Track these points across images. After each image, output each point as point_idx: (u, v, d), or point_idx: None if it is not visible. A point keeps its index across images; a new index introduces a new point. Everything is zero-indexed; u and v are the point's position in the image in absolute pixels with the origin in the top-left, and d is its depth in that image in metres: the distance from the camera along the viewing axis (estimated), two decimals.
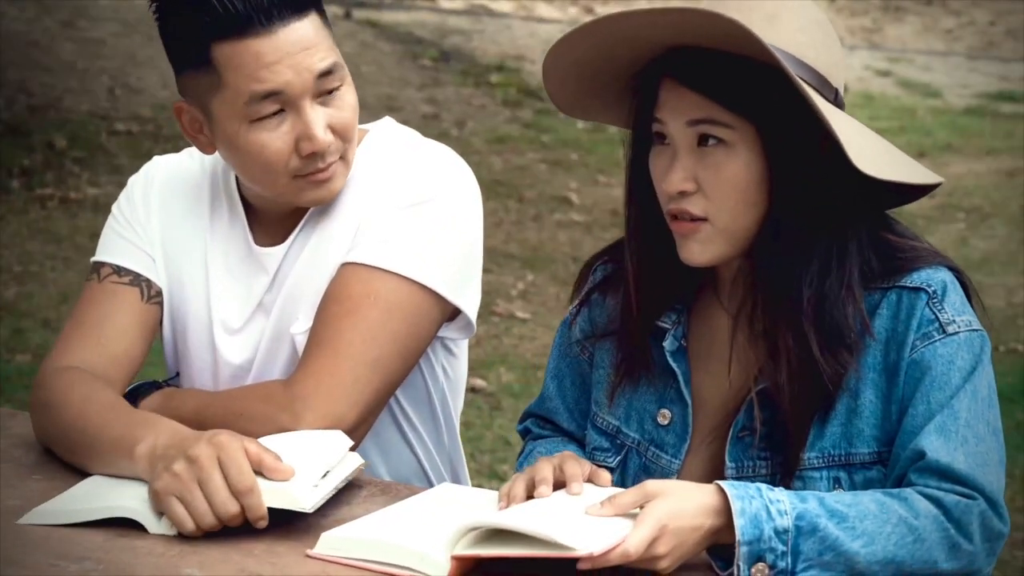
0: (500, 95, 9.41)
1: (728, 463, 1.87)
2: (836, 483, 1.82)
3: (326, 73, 2.00)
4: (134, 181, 2.24)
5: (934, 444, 1.73)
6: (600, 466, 1.92)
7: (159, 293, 2.17)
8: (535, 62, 10.28)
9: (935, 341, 1.78)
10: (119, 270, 2.16)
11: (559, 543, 1.59)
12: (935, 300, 1.80)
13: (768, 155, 1.80)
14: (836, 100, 1.85)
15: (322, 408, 1.97)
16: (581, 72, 1.90)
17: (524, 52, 10.34)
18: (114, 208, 2.23)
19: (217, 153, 2.20)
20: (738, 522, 1.64)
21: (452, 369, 2.24)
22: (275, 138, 2.00)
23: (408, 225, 2.05)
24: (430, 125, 8.24)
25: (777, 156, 1.80)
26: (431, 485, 2.18)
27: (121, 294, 2.14)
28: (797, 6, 1.84)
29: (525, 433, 2.18)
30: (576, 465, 1.81)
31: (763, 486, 1.69)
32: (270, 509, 1.75)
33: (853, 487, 1.81)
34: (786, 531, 1.64)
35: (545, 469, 1.81)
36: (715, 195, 1.82)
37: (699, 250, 1.85)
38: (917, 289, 1.81)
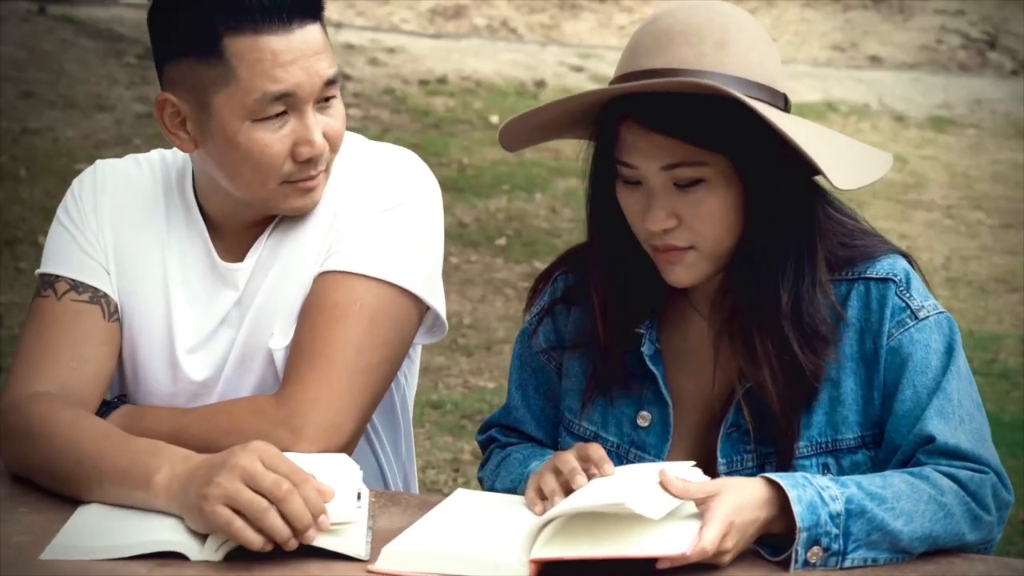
0: None
1: (720, 459, 1.95)
2: (825, 468, 1.93)
3: (331, 81, 1.98)
4: (81, 186, 2.14)
5: (939, 428, 1.86)
6: None
7: (117, 309, 2.09)
8: None
9: (909, 328, 1.91)
10: (77, 286, 2.07)
11: (643, 515, 1.65)
12: (902, 288, 1.93)
13: (743, 180, 1.88)
14: (786, 106, 1.94)
15: (321, 420, 1.95)
16: (536, 127, 1.96)
17: None
18: (61, 214, 2.12)
19: (174, 158, 2.13)
20: (796, 509, 1.73)
21: (411, 375, 2.25)
22: (276, 139, 1.97)
23: (384, 230, 2.04)
24: (145, 125, 7.98)
25: (752, 180, 1.88)
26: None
27: (84, 313, 2.05)
28: (740, 25, 1.90)
29: (488, 443, 2.20)
30: (600, 448, 1.85)
31: (807, 474, 1.79)
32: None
33: (841, 471, 1.92)
34: (839, 515, 1.74)
35: (569, 459, 1.84)
36: (698, 226, 1.89)
37: (686, 273, 1.92)
38: (885, 280, 1.93)
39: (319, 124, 1.98)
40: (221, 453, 1.77)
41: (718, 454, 1.95)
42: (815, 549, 1.74)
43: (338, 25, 11.39)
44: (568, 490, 1.82)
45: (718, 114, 1.83)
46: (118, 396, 2.14)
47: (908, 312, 1.92)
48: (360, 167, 2.09)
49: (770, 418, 1.92)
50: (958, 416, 1.87)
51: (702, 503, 1.74)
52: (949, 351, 1.91)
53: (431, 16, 13.52)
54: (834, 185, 1.83)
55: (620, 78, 1.89)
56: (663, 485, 1.74)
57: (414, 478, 2.31)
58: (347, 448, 1.98)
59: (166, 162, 2.17)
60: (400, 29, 12.73)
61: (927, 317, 1.92)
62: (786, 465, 1.92)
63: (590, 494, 1.75)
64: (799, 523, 1.73)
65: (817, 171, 1.84)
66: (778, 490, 1.76)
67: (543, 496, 1.84)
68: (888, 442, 1.91)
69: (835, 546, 1.75)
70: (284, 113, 1.96)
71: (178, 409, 2.06)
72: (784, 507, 1.75)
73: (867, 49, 13.39)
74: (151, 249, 2.11)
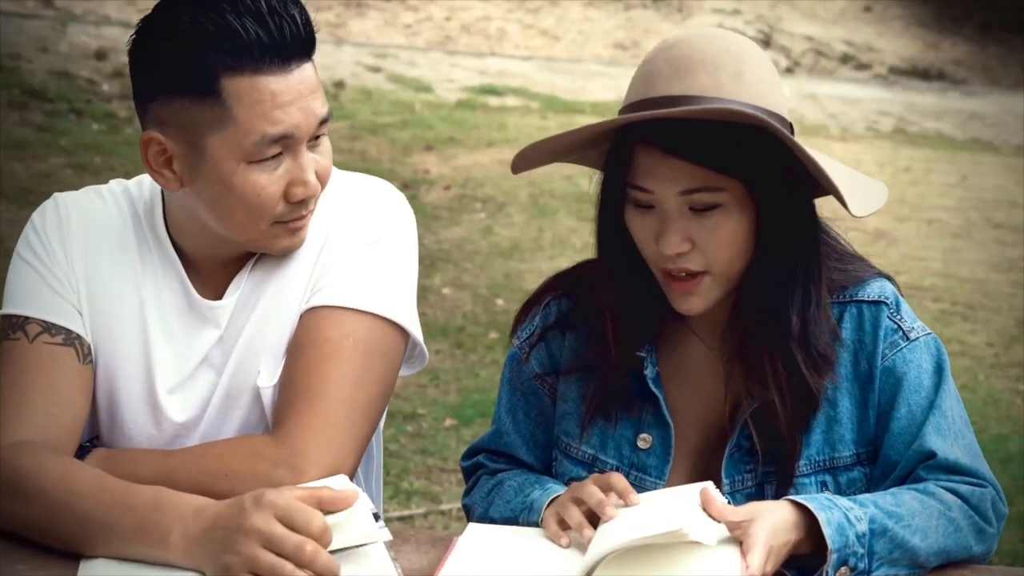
0: (3, 97, 8.87)
1: (724, 479, 1.99)
2: (823, 486, 1.99)
3: (324, 120, 1.94)
4: (44, 221, 2.05)
5: (938, 444, 1.94)
6: None
7: (90, 350, 2.01)
8: (31, 60, 9.77)
9: (902, 348, 1.98)
10: (49, 327, 1.98)
11: (700, 541, 1.68)
12: (893, 311, 2.00)
13: (758, 205, 1.92)
14: (791, 131, 1.98)
15: (323, 459, 1.91)
16: (551, 151, 1.98)
17: (17, 50, 9.78)
18: (24, 251, 2.03)
19: (139, 191, 2.06)
20: (827, 531, 1.78)
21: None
22: (271, 181, 1.92)
23: (370, 263, 2.02)
24: None
25: (767, 205, 1.92)
26: None
27: (59, 357, 1.97)
28: (751, 55, 1.95)
29: (475, 468, 2.20)
30: (622, 478, 1.87)
31: (829, 495, 1.84)
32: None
33: (838, 488, 1.99)
34: (864, 535, 1.80)
35: (594, 491, 1.85)
36: (712, 251, 1.92)
37: (698, 302, 1.95)
38: (877, 302, 2.00)
39: (312, 163, 1.94)
40: (232, 506, 1.73)
41: (722, 474, 1.99)
42: (843, 570, 1.79)
43: (127, 25, 11.07)
44: (593, 520, 1.83)
45: (736, 140, 1.86)
46: (90, 439, 2.05)
47: (900, 333, 1.99)
48: (341, 200, 2.06)
49: (771, 438, 1.97)
50: (953, 432, 1.95)
51: (736, 527, 1.77)
52: (939, 370, 1.99)
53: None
54: (850, 212, 1.89)
55: (637, 104, 1.90)
56: (704, 504, 1.77)
57: (380, 499, 2.29)
58: None
59: (131, 195, 2.09)
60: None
61: (917, 338, 1.99)
62: (786, 483, 1.97)
63: (634, 525, 1.76)
64: (830, 545, 1.78)
65: (831, 195, 1.90)
66: (804, 512, 1.80)
67: (566, 526, 1.85)
68: (884, 459, 1.97)
69: (861, 565, 1.80)
70: (280, 154, 1.92)
71: (158, 451, 2.00)
72: (811, 529, 1.80)
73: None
74: (125, 286, 2.03)
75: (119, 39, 10.80)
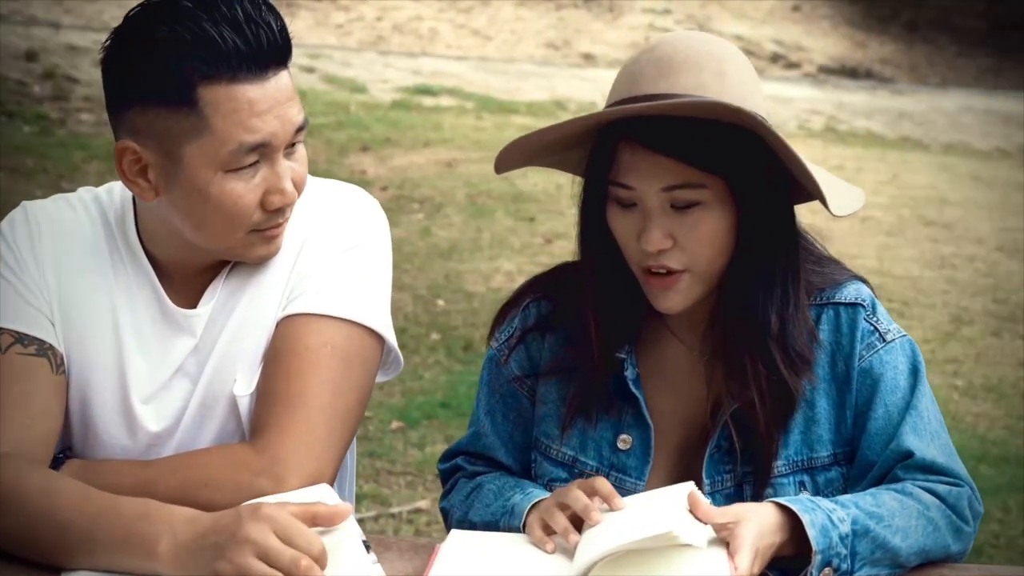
0: None
1: (705, 479, 2.00)
2: (801, 486, 2.01)
3: (301, 127, 1.92)
4: (13, 231, 2.01)
5: (915, 443, 1.96)
6: None
7: (63, 361, 1.98)
8: None
9: (879, 350, 2.01)
10: (22, 338, 1.95)
11: (691, 543, 1.69)
12: (870, 313, 2.03)
13: (738, 203, 1.94)
14: None
15: (304, 468, 1.90)
16: (529, 151, 1.98)
17: None
18: None
19: (109, 199, 2.04)
20: (811, 533, 1.79)
21: None
22: (248, 190, 1.90)
23: (347, 270, 2.02)
24: None
25: (747, 203, 1.94)
26: None
27: (33, 368, 1.94)
28: (731, 55, 1.97)
29: (453, 471, 2.19)
30: (606, 482, 1.88)
31: (812, 497, 1.86)
32: None
33: (816, 488, 2.01)
34: (847, 536, 1.82)
35: (579, 496, 1.86)
36: (692, 248, 1.93)
37: (678, 299, 1.97)
38: (854, 304, 2.03)
39: (288, 171, 1.93)
40: (227, 516, 1.71)
41: (703, 474, 2.00)
42: (826, 571, 1.81)
43: (56, 26, 10.95)
44: (578, 525, 1.83)
45: (718, 138, 1.89)
46: (63, 451, 2.03)
47: (877, 335, 2.01)
48: (316, 207, 2.05)
49: (751, 438, 1.98)
50: (929, 432, 1.98)
51: (722, 529, 1.79)
52: (915, 372, 2.01)
53: None
54: (831, 211, 1.91)
55: (621, 102, 1.91)
56: (691, 506, 1.78)
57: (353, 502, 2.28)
58: None
59: (101, 203, 2.07)
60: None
61: (893, 340, 2.02)
62: (764, 483, 1.99)
63: (622, 529, 1.77)
64: (815, 547, 1.79)
65: (813, 196, 1.92)
66: (788, 514, 1.82)
67: (551, 532, 1.85)
68: (861, 458, 1.99)
69: (844, 566, 1.82)
70: (256, 163, 1.91)
71: (136, 462, 1.98)
72: (795, 530, 1.81)
73: (580, 47, 13.74)
74: (97, 296, 2.01)
75: (49, 40, 10.69)
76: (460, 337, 6.05)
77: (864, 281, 2.08)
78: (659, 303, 1.98)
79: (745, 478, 2.01)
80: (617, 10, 14.61)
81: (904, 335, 2.04)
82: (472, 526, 2.06)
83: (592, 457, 2.07)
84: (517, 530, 1.95)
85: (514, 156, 2.00)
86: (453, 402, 5.36)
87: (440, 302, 6.44)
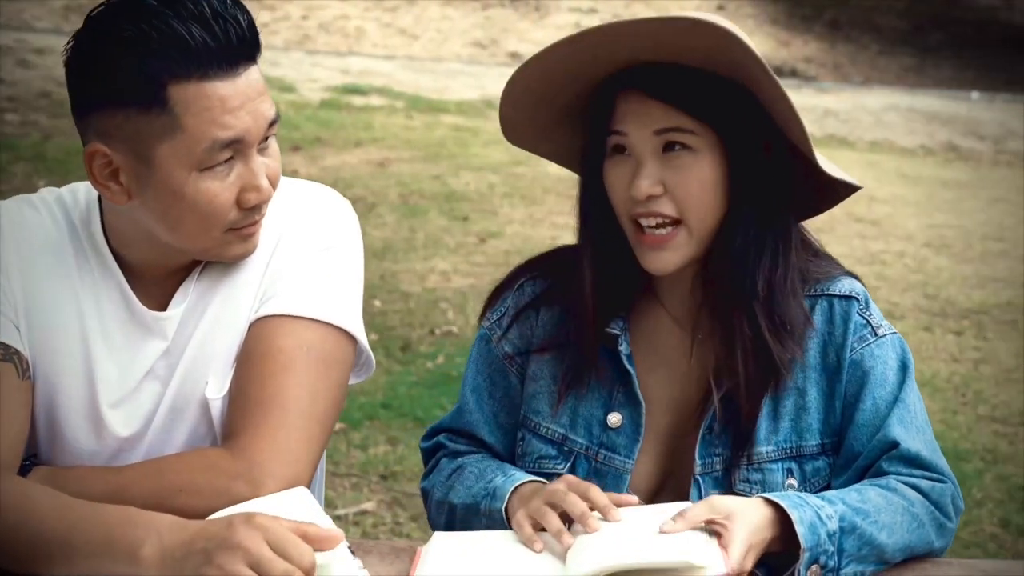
0: None
1: (697, 460, 2.01)
2: (789, 473, 2.02)
3: (273, 122, 1.89)
4: None
5: (901, 434, 1.98)
6: (549, 473, 2.02)
7: (29, 366, 1.93)
8: None
9: (870, 343, 2.03)
10: None
11: (694, 564, 1.66)
12: (863, 307, 2.05)
13: (729, 158, 1.96)
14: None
15: (281, 472, 1.87)
16: (533, 96, 1.99)
17: None
18: None
19: (73, 200, 1.99)
20: (800, 530, 1.79)
21: None
22: (224, 188, 1.87)
23: (322, 271, 1.99)
24: None
25: (738, 158, 1.96)
26: None
27: None
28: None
29: (435, 450, 2.19)
30: (600, 491, 1.87)
31: (800, 493, 1.86)
32: None
33: (803, 475, 2.02)
34: (834, 533, 1.82)
35: (576, 502, 1.85)
36: (683, 196, 1.95)
37: (672, 257, 1.98)
38: (848, 297, 2.05)
39: (263, 167, 1.90)
40: (218, 523, 1.68)
41: (696, 455, 2.00)
42: (814, 568, 1.81)
43: None
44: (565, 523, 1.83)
45: (712, 89, 1.93)
46: (28, 457, 1.98)
47: (869, 329, 2.03)
48: (289, 207, 2.02)
49: (739, 420, 1.99)
50: (915, 426, 2.00)
51: (713, 523, 1.78)
52: (904, 368, 2.03)
53: (65, 13, 12.98)
54: (819, 166, 1.94)
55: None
56: (685, 518, 1.78)
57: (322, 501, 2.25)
58: None
59: (64, 204, 2.02)
60: (33, 27, 12.15)
61: (885, 335, 2.04)
62: (743, 458, 1.99)
63: (634, 544, 1.76)
64: (803, 544, 1.79)
65: (802, 154, 1.95)
66: (777, 510, 1.82)
67: (539, 529, 1.84)
68: (847, 449, 2.00)
69: (831, 563, 1.82)
70: (231, 159, 1.87)
71: (107, 468, 1.93)
72: (783, 526, 1.81)
73: (507, 46, 13.74)
74: (64, 299, 1.97)
75: None
76: (398, 337, 6.01)
77: (857, 278, 2.10)
78: (650, 263, 1.99)
79: (734, 463, 2.01)
80: (543, 9, 14.62)
81: (895, 332, 2.05)
82: (452, 508, 2.05)
83: (582, 435, 2.07)
84: (498, 512, 1.95)
85: (520, 113, 2.01)
86: (394, 403, 5.33)
87: (376, 302, 6.40)
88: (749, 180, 1.97)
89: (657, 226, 1.96)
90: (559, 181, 8.37)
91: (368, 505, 4.48)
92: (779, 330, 1.97)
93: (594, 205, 2.03)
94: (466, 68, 12.02)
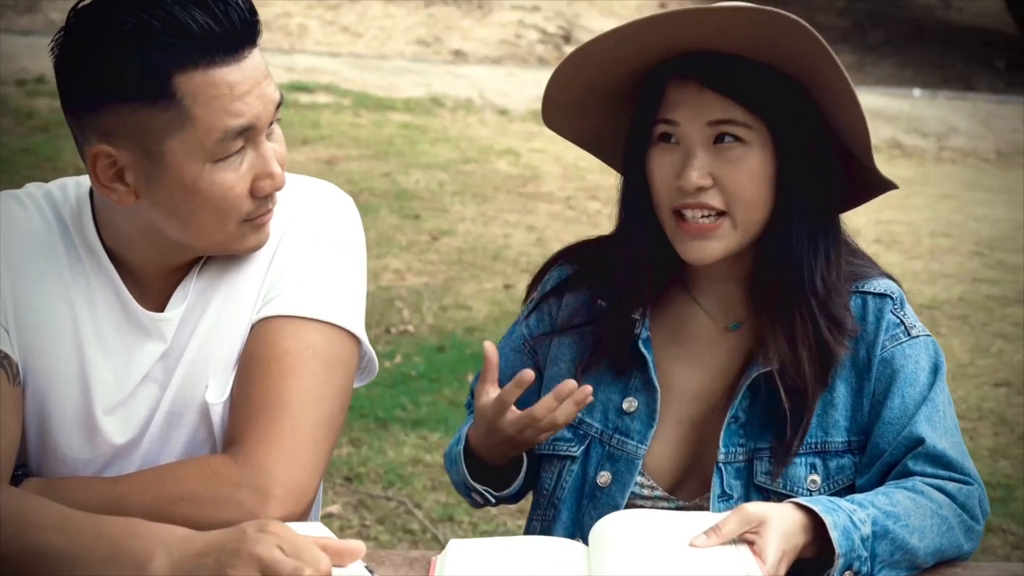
0: None
1: (721, 449, 1.97)
2: (812, 469, 1.98)
3: (279, 104, 1.82)
4: None
5: (928, 432, 1.94)
6: (564, 456, 2.03)
7: (19, 371, 1.84)
8: None
9: (902, 342, 1.99)
10: None
11: None
12: (897, 307, 2.02)
13: (779, 153, 1.94)
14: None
15: (288, 479, 1.79)
16: (582, 76, 1.96)
17: None
18: None
19: (63, 196, 1.90)
20: (834, 535, 1.75)
21: None
22: (239, 179, 1.80)
23: (326, 270, 1.92)
24: None
25: (788, 153, 1.94)
26: None
27: None
28: None
29: (470, 406, 2.17)
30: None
31: (831, 498, 1.81)
32: None
33: (827, 472, 1.97)
34: (867, 538, 1.78)
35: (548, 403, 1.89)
36: (733, 189, 1.93)
37: (712, 247, 1.95)
38: (883, 295, 2.02)
39: (273, 154, 1.82)
40: (229, 533, 1.60)
41: (720, 444, 1.97)
42: (847, 574, 1.76)
43: None
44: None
45: (770, 84, 1.91)
46: (17, 468, 1.88)
47: (902, 328, 2.00)
48: (291, 204, 1.94)
49: (768, 412, 1.96)
50: (944, 426, 1.96)
51: (747, 530, 1.74)
52: (935, 370, 2.00)
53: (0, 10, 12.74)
54: (873, 165, 1.94)
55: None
56: (718, 532, 1.74)
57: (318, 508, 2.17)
58: (309, 509, 1.83)
59: (54, 200, 1.93)
60: None
61: (918, 336, 2.01)
62: (785, 459, 1.96)
63: (663, 559, 1.71)
64: (838, 549, 1.75)
65: (843, 151, 1.94)
66: (810, 515, 1.77)
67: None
68: (873, 447, 1.97)
69: (864, 569, 1.78)
70: (242, 148, 1.79)
71: (104, 478, 1.85)
72: (816, 531, 1.76)
73: (451, 44, 13.67)
74: (56, 301, 1.87)
75: None
76: None
77: (893, 279, 2.07)
78: (691, 253, 1.96)
79: (757, 454, 1.98)
80: (486, 7, 14.54)
81: (929, 335, 2.03)
82: (451, 462, 2.08)
83: (598, 420, 2.06)
84: (462, 456, 2.02)
85: (566, 92, 1.98)
86: (354, 404, 5.21)
87: None
88: (799, 176, 1.95)
89: (702, 216, 1.94)
90: (509, 179, 8.31)
91: (334, 508, 4.40)
92: (832, 328, 1.96)
93: (635, 194, 2.01)
94: (412, 66, 11.91)
